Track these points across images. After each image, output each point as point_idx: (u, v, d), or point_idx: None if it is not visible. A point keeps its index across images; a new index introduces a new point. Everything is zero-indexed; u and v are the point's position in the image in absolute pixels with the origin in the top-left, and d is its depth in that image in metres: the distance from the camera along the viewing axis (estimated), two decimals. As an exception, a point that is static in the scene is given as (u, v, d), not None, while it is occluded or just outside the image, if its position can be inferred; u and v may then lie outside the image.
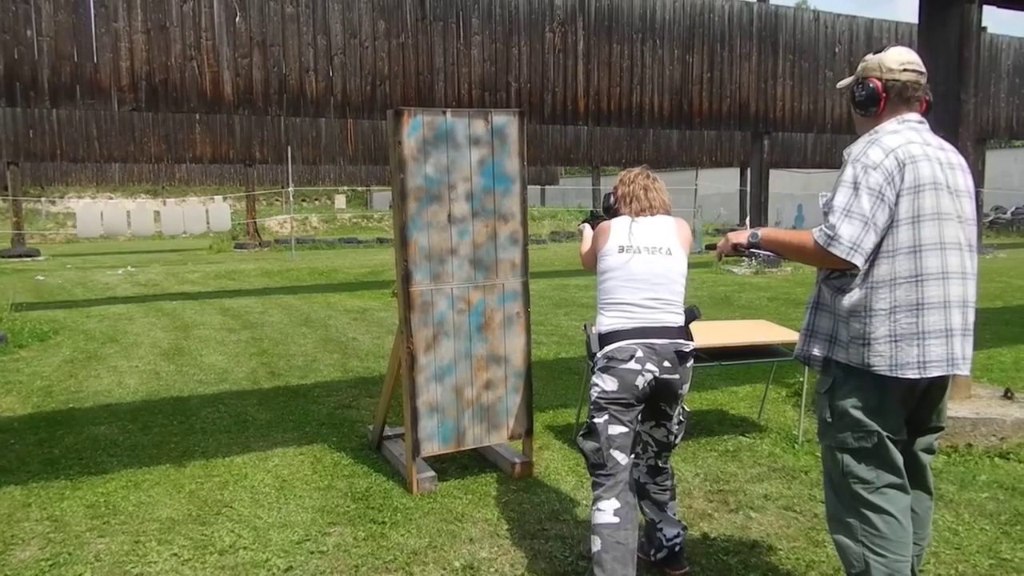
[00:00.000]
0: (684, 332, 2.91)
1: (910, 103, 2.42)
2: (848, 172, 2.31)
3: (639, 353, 2.80)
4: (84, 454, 4.62)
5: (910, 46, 2.57)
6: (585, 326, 3.36)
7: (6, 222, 23.95)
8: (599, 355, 2.88)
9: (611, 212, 3.12)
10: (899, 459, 2.37)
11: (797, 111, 11.16)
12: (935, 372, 2.30)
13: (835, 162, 21.79)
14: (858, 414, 2.35)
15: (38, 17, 6.55)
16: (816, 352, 2.46)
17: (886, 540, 2.33)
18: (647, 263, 2.88)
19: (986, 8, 4.96)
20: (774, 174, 18.35)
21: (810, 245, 2.31)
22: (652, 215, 3.00)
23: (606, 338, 2.87)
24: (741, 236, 2.58)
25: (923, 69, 2.43)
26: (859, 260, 2.25)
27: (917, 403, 2.42)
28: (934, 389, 2.43)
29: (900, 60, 2.40)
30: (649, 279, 2.87)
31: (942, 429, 2.54)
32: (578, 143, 22.17)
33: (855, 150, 2.36)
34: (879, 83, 2.40)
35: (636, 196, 3.02)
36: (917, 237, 2.28)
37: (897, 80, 2.39)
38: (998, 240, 21.79)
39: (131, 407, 5.66)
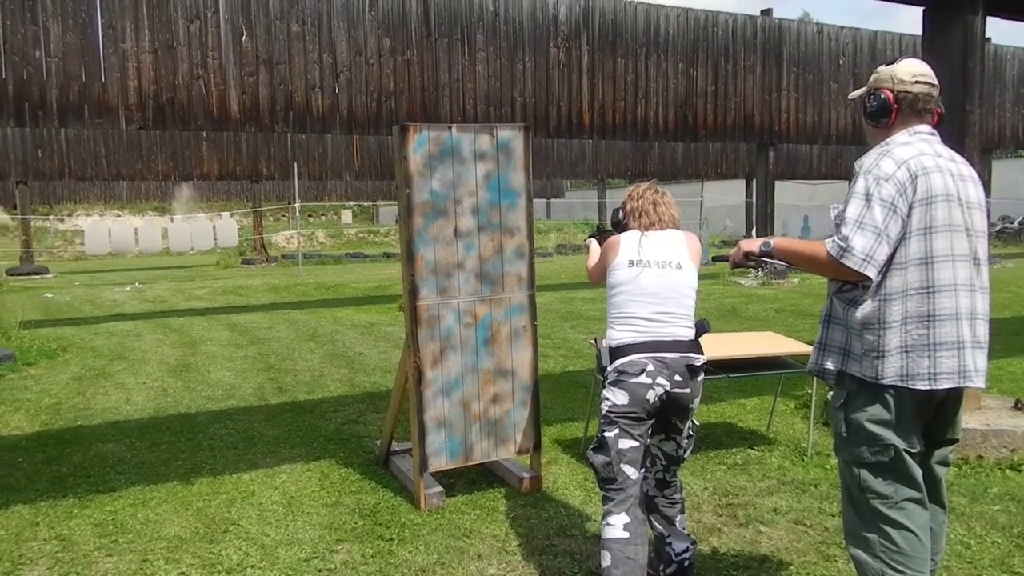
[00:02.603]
0: (695, 346, 2.90)
1: (921, 115, 2.41)
2: (860, 184, 2.30)
3: (650, 367, 2.80)
4: (92, 472, 4.62)
5: (914, 58, 2.57)
6: (595, 340, 3.37)
7: (15, 240, 24.09)
8: (610, 369, 2.88)
9: (620, 227, 3.12)
10: (917, 473, 2.35)
11: (802, 123, 11.16)
12: (946, 384, 2.28)
13: (841, 173, 21.81)
14: (873, 428, 2.33)
15: (46, 38, 6.62)
16: (830, 366, 2.44)
17: (905, 556, 2.30)
18: (657, 277, 2.88)
19: (990, 19, 4.96)
20: (780, 185, 18.36)
21: (823, 256, 2.30)
22: (661, 229, 3.01)
23: (617, 352, 2.87)
24: (753, 244, 2.58)
25: (935, 81, 2.43)
26: (872, 272, 2.24)
27: (932, 415, 2.41)
28: (948, 401, 2.41)
29: (912, 72, 2.40)
30: (659, 293, 2.88)
31: (957, 441, 2.52)
32: (583, 156, 22.23)
33: (867, 162, 2.35)
34: (891, 94, 2.39)
35: (645, 210, 3.03)
36: (929, 249, 2.27)
37: (909, 92, 2.39)
38: (1006, 250, 21.71)
39: (139, 424, 5.67)
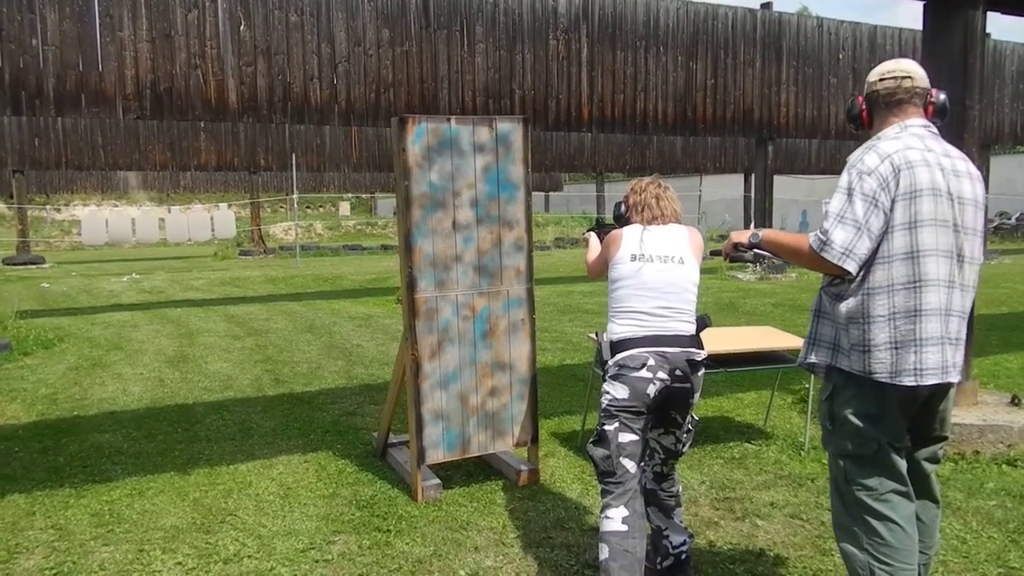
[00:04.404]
0: (696, 341, 2.90)
1: (896, 108, 2.44)
2: (844, 178, 2.34)
3: (651, 361, 2.80)
4: (89, 462, 4.62)
5: (914, 53, 2.59)
6: (596, 333, 3.36)
7: (11, 230, 24.01)
8: (611, 363, 2.88)
9: (622, 220, 3.12)
10: (902, 466, 2.37)
11: (801, 117, 11.14)
12: (931, 380, 2.30)
13: (839, 168, 21.71)
14: (857, 421, 2.35)
15: (43, 26, 6.58)
16: (819, 360, 2.46)
17: (891, 548, 2.33)
18: (659, 272, 2.88)
19: (990, 14, 4.94)
20: (778, 180, 18.35)
21: (805, 249, 2.34)
22: (664, 224, 3.00)
23: (618, 346, 2.87)
24: (743, 235, 2.63)
25: (908, 73, 2.45)
26: (851, 266, 2.26)
27: (919, 411, 2.42)
28: (936, 397, 2.43)
29: (880, 72, 2.49)
30: (661, 288, 2.87)
31: (946, 439, 2.54)
32: (582, 150, 22.18)
33: (853, 156, 2.39)
34: (861, 98, 2.52)
35: (648, 204, 3.02)
36: (914, 243, 2.28)
37: (875, 91, 2.48)
38: (1003, 246, 21.74)
39: (136, 415, 5.66)
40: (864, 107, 2.49)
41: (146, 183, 26.91)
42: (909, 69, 2.46)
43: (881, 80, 2.46)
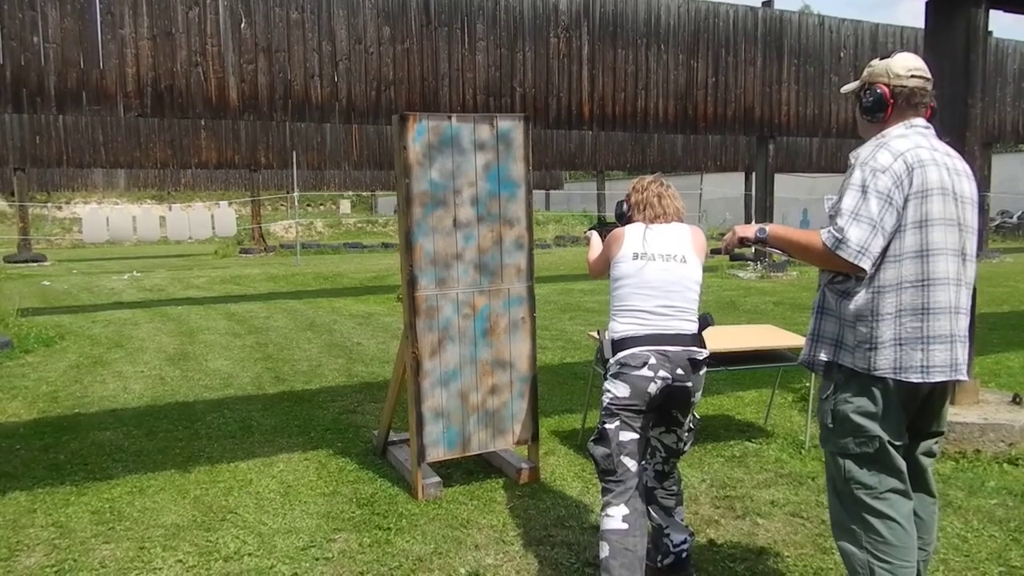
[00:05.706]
0: (698, 339, 2.90)
1: (917, 109, 2.42)
2: (856, 175, 2.30)
3: (652, 360, 2.79)
4: (89, 460, 4.62)
5: (915, 51, 2.57)
6: (598, 332, 3.36)
7: (12, 227, 24.02)
8: (612, 361, 2.88)
9: (624, 219, 3.12)
10: (902, 464, 2.37)
11: (802, 115, 11.14)
12: (938, 377, 2.30)
13: (840, 166, 21.79)
14: (859, 419, 2.35)
15: (44, 24, 6.58)
16: (822, 357, 2.45)
17: (890, 546, 2.32)
18: (661, 270, 2.88)
19: (992, 12, 4.93)
20: (779, 178, 18.34)
21: (818, 246, 2.31)
22: (666, 222, 3.00)
23: (619, 344, 2.87)
24: (749, 230, 2.59)
25: (929, 76, 2.44)
26: (867, 264, 2.25)
27: (918, 408, 2.42)
28: (936, 395, 2.43)
29: (907, 66, 2.41)
30: (663, 286, 2.87)
31: (942, 434, 2.54)
32: (583, 148, 22.16)
33: (863, 153, 2.35)
34: (887, 89, 2.40)
35: (650, 203, 3.02)
36: (925, 241, 2.28)
37: (905, 86, 2.39)
38: (1004, 244, 21.72)
39: (136, 412, 5.66)
40: (892, 100, 2.40)
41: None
42: (927, 70, 2.43)
43: (912, 76, 2.39)
